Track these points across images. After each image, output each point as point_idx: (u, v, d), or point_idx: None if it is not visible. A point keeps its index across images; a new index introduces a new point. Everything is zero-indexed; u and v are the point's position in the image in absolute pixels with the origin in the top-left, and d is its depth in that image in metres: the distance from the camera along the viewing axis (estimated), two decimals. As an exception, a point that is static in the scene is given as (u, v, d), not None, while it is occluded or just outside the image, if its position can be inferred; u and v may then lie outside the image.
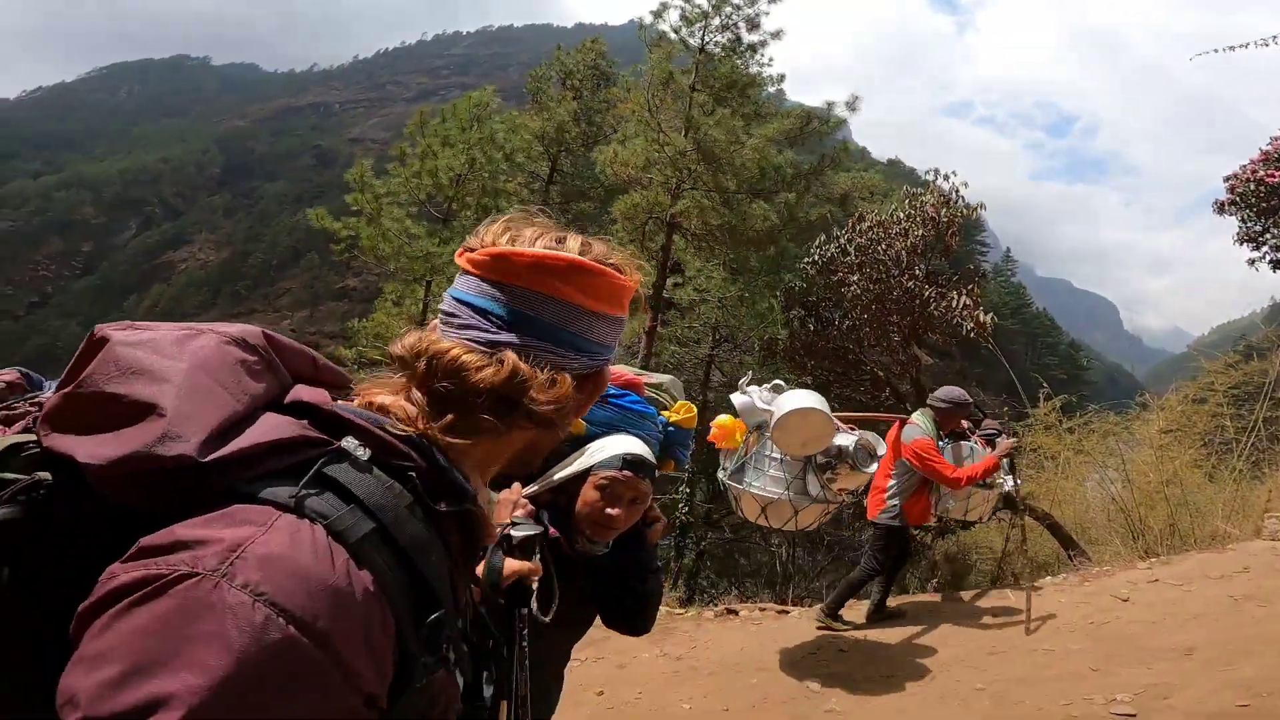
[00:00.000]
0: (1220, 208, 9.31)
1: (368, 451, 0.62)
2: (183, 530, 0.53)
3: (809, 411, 3.66)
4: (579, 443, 1.80)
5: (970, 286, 9.54)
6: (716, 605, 6.41)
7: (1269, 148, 8.97)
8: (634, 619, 1.88)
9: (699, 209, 9.37)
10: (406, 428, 0.66)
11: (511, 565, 1.30)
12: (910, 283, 9.18)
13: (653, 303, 10.34)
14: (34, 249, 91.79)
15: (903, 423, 4.67)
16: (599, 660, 4.38)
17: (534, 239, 0.76)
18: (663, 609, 6.11)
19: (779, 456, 3.84)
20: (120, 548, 0.54)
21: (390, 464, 0.63)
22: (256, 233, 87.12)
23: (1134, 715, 3.11)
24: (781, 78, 10.92)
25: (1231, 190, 9.15)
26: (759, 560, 15.28)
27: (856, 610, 4.96)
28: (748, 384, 4.01)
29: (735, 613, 5.72)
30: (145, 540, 0.53)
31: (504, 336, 0.72)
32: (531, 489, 1.73)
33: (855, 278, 9.91)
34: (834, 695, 3.64)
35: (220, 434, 0.57)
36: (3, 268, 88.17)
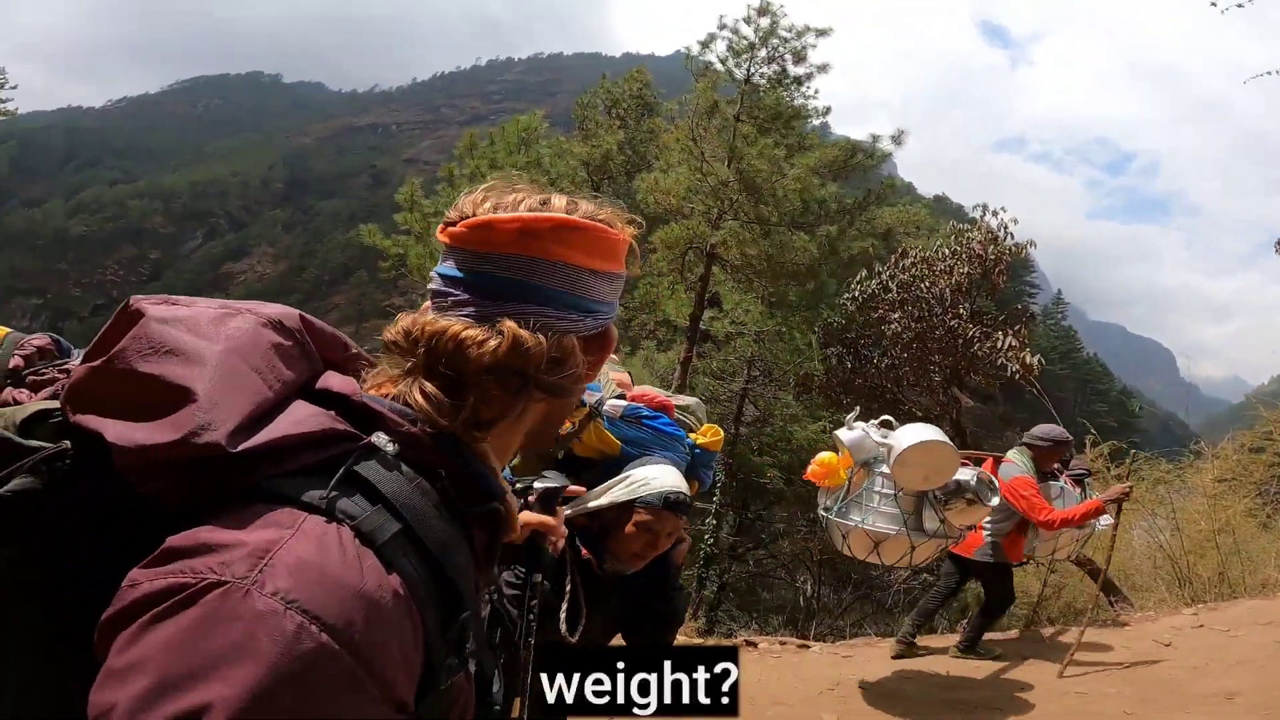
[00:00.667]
0: None
1: (396, 447, 0.61)
2: (208, 533, 0.52)
3: (933, 445, 3.59)
4: (613, 462, 1.82)
5: (1017, 327, 9.34)
6: (735, 637, 6.30)
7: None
8: (657, 638, 1.89)
9: (738, 240, 9.41)
10: (441, 420, 0.64)
11: (527, 516, 1.25)
12: (954, 322, 9.04)
13: (689, 334, 10.37)
14: (105, 254, 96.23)
15: (997, 460, 4.57)
16: (613, 688, 4.37)
17: (517, 204, 0.73)
18: (681, 638, 6.05)
19: (891, 492, 3.75)
20: (137, 541, 0.52)
21: (417, 460, 0.61)
22: (311, 248, 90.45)
23: (1168, 762, 2.98)
24: (827, 110, 11.00)
25: (1294, 230, 9.03)
26: (783, 595, 15.01)
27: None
28: (854, 419, 3.95)
29: (754, 645, 5.63)
30: (172, 540, 0.52)
31: (500, 308, 0.69)
32: (568, 511, 1.73)
33: (896, 315, 9.78)
34: (851, 734, 3.56)
35: (251, 423, 0.56)
36: (74, 270, 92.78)
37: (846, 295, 10.50)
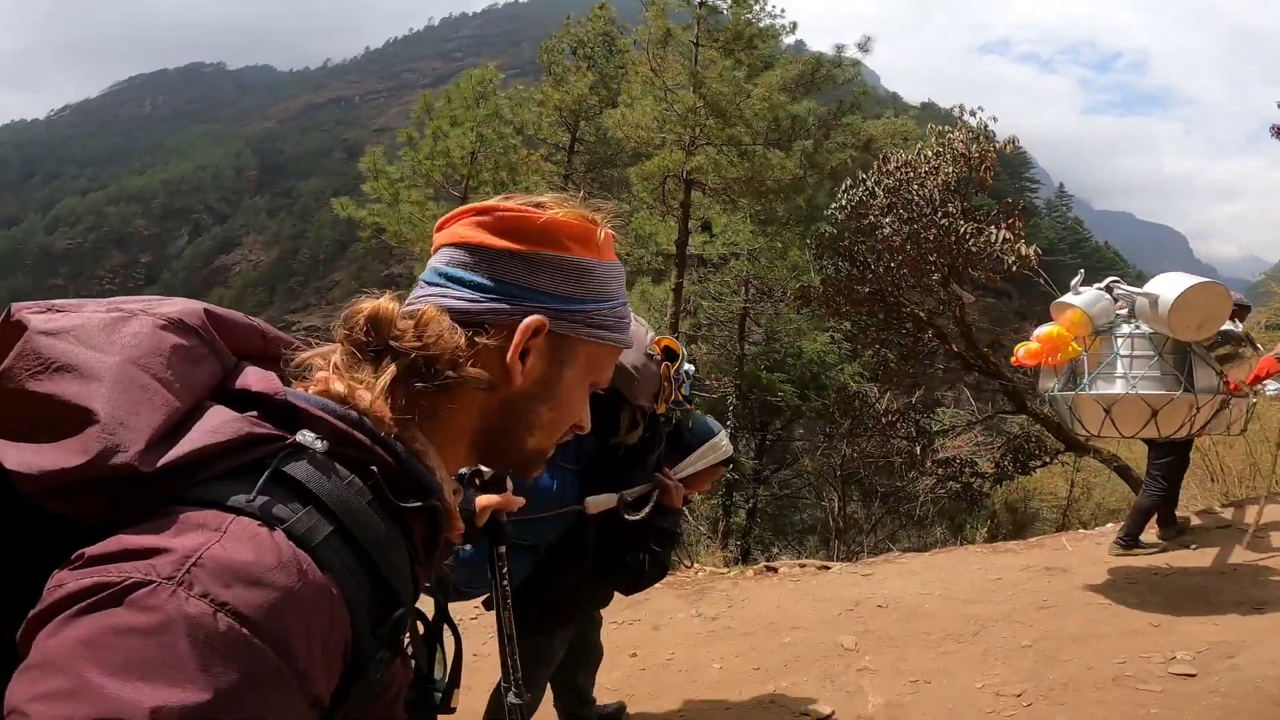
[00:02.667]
0: (1278, 132, 9.07)
1: (325, 444, 0.58)
2: (131, 539, 0.49)
3: (1211, 285, 3.18)
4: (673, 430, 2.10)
5: (1011, 220, 9.10)
6: (757, 563, 6.31)
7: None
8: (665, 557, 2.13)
9: (714, 164, 9.07)
10: (368, 418, 0.62)
11: (483, 500, 1.32)
12: (944, 220, 8.76)
13: (676, 261, 10.20)
14: (96, 264, 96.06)
15: None
16: (635, 623, 4.33)
17: None
18: (706, 569, 6.04)
19: (1151, 352, 3.27)
20: (57, 562, 0.50)
21: (349, 456, 0.60)
22: (300, 230, 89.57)
23: (1194, 675, 2.83)
24: (794, 26, 10.46)
25: (1291, 113, 8.90)
26: (815, 515, 15.09)
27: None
28: (1080, 283, 3.52)
29: (775, 570, 5.60)
30: (90, 550, 0.49)
31: (417, 292, 0.72)
32: (681, 475, 2.08)
33: (887, 219, 9.53)
34: (869, 654, 3.47)
35: (163, 437, 0.53)
36: (71, 285, 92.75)
37: (834, 205, 10.25)
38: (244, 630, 0.47)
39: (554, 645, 2.06)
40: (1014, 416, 10.24)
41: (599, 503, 1.82)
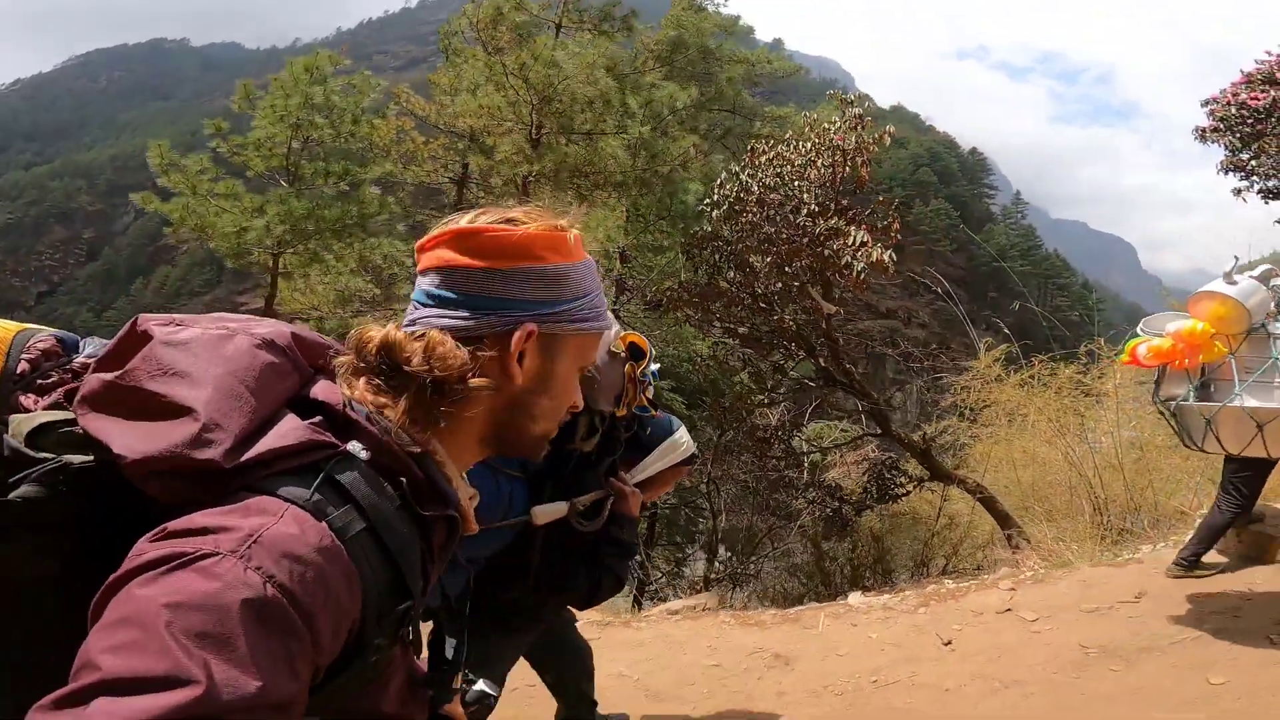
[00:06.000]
0: (1202, 135, 8.57)
1: (368, 454, 0.67)
2: (204, 518, 0.58)
3: None
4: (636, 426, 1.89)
5: (887, 223, 8.30)
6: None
7: (1251, 70, 8.21)
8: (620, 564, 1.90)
9: (515, 156, 8.04)
10: (402, 433, 0.70)
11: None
12: (804, 220, 7.91)
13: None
14: (36, 239, 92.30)
15: None
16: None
17: None
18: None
19: None
20: (135, 537, 0.58)
21: (384, 465, 0.68)
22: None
23: None
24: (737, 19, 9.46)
25: (1212, 115, 8.44)
26: (704, 525, 14.33)
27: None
28: (1237, 270, 2.90)
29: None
30: (171, 524, 0.58)
31: (413, 314, 0.77)
32: (638, 479, 1.90)
33: (766, 219, 8.72)
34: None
35: (246, 438, 0.62)
36: (9, 259, 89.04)
37: (708, 200, 9.40)
38: (283, 600, 0.54)
39: (507, 650, 1.91)
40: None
41: (547, 512, 1.68)
